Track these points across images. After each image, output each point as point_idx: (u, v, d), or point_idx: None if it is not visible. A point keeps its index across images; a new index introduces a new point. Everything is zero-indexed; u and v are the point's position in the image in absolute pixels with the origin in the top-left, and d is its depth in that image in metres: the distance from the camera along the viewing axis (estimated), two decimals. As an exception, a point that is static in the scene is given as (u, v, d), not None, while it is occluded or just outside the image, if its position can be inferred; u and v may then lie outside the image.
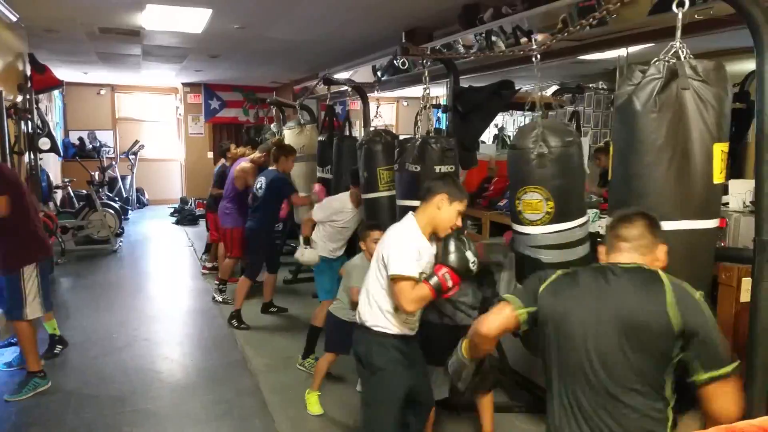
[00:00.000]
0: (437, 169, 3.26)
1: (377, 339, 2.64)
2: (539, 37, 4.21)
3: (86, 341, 4.93)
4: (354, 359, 2.82)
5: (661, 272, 1.74)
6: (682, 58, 1.95)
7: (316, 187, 5.44)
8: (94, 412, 3.72)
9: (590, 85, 7.49)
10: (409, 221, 2.62)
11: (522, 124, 8.77)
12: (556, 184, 2.62)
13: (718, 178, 2.02)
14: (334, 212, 4.47)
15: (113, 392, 4.00)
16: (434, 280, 2.44)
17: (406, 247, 2.52)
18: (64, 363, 4.48)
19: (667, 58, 1.96)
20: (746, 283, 2.60)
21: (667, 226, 2.00)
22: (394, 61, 3.73)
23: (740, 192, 3.05)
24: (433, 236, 2.61)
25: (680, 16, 1.98)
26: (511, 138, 2.87)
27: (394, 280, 2.48)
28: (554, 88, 7.13)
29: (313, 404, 3.73)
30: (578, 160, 2.72)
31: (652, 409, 1.69)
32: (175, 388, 4.15)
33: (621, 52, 4.59)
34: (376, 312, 2.64)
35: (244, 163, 6.09)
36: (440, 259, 2.51)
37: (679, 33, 1.97)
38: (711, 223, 2.07)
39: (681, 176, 1.98)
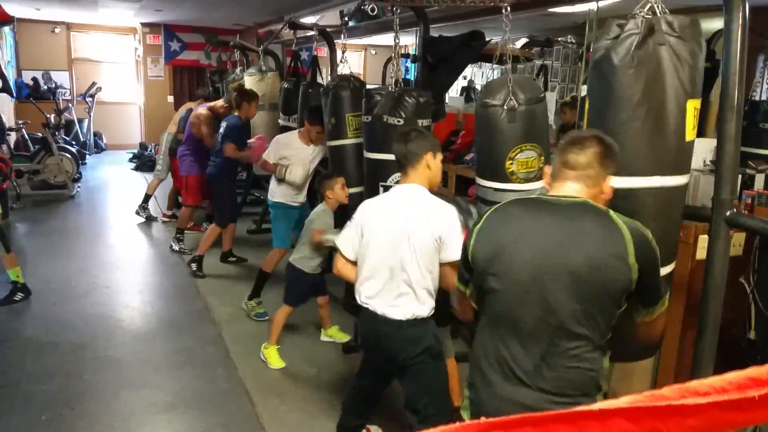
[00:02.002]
0: (420, 122, 3.22)
1: (430, 327, 2.45)
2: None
3: (45, 288, 4.84)
4: (381, 357, 2.56)
5: (612, 213, 1.62)
6: (658, 13, 1.93)
7: (254, 139, 5.34)
8: (54, 359, 3.69)
9: (559, 39, 7.47)
10: (424, 192, 2.42)
11: (490, 77, 8.72)
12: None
13: (690, 135, 2.03)
14: (280, 147, 4.41)
15: (74, 339, 3.97)
16: None
17: (459, 227, 2.36)
18: (22, 310, 4.41)
19: (643, 13, 1.94)
20: (702, 240, 2.66)
21: (641, 182, 2.01)
22: (362, 7, 3.62)
23: (701, 151, 3.10)
24: None
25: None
26: (481, 93, 2.79)
27: (453, 263, 2.26)
28: (523, 41, 7.09)
29: (274, 358, 3.73)
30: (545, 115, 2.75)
31: (592, 360, 1.63)
32: (137, 335, 4.13)
33: (591, 5, 4.56)
34: (426, 298, 2.40)
35: (201, 109, 5.93)
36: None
37: (653, -13, 1.95)
38: (682, 179, 2.09)
39: (655, 132, 1.97)
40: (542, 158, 2.70)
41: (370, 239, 2.45)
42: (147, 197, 7.24)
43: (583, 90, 6.38)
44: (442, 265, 2.36)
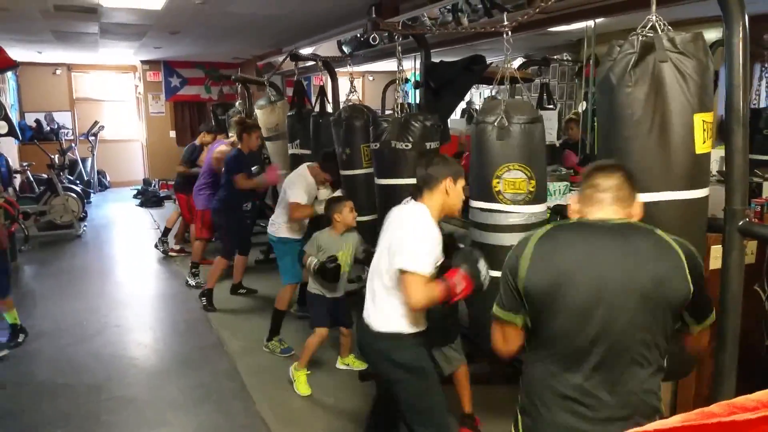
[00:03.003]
0: (428, 145, 3.24)
1: (406, 342, 2.44)
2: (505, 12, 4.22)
3: (56, 329, 4.85)
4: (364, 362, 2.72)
5: (659, 231, 1.64)
6: (660, 31, 1.97)
7: (270, 168, 5.38)
8: (70, 401, 3.67)
9: (555, 57, 7.54)
10: (422, 209, 2.42)
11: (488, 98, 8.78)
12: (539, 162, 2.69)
13: (701, 148, 2.05)
14: (310, 186, 4.31)
15: (88, 380, 3.96)
16: (445, 284, 2.31)
17: (424, 240, 2.34)
18: (34, 353, 4.40)
19: (644, 32, 1.98)
20: (715, 251, 2.67)
21: (650, 197, 2.02)
22: (364, 36, 3.68)
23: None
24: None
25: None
26: (478, 112, 2.80)
27: (404, 273, 2.28)
28: (520, 60, 7.15)
29: (302, 383, 3.72)
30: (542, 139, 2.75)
31: (655, 382, 1.65)
32: (151, 373, 4.12)
33: (589, 23, 4.62)
34: (396, 313, 2.41)
35: (223, 146, 6.00)
36: (453, 266, 2.41)
37: (654, 6, 1.99)
38: (698, 193, 2.10)
39: (660, 147, 2.00)
40: (532, 182, 2.65)
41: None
42: (167, 230, 7.27)
43: (581, 106, 6.45)
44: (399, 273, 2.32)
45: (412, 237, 2.35)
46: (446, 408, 2.54)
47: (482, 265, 2.41)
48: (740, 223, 2.00)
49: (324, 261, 3.58)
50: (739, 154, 2.01)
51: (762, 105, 5.10)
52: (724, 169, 2.87)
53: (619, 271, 1.59)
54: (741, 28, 1.98)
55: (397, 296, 2.39)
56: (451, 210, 2.51)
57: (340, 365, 4.09)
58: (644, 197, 2.01)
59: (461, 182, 2.50)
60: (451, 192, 2.44)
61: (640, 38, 1.97)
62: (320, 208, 4.15)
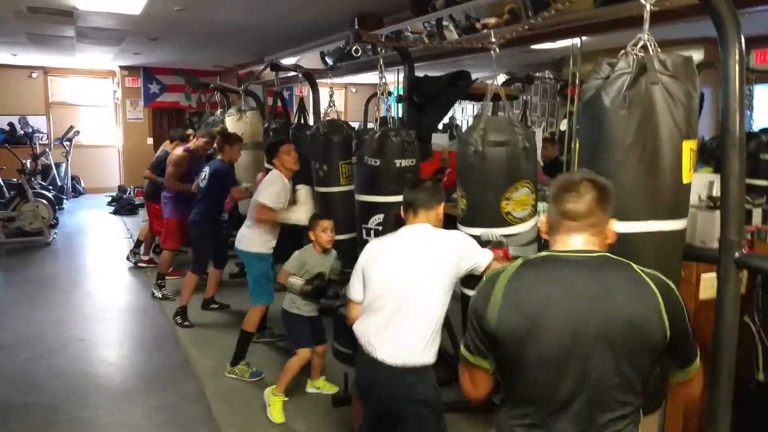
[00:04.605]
0: (397, 163, 3.16)
1: (429, 376, 2.35)
2: (491, 20, 4.15)
3: (16, 343, 4.63)
4: (376, 404, 2.43)
5: (634, 266, 1.52)
6: (651, 52, 1.86)
7: (260, 176, 5.21)
8: (23, 424, 3.46)
9: (537, 75, 7.50)
10: (434, 228, 2.49)
11: (473, 114, 8.74)
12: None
13: (687, 177, 1.95)
14: (283, 189, 4.04)
15: (45, 399, 3.75)
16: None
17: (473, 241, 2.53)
18: (-9, 368, 4.18)
19: (635, 51, 1.87)
20: (705, 280, 2.58)
21: (636, 227, 1.92)
22: (347, 48, 3.58)
23: (696, 186, 3.02)
24: None
25: (648, 7, 1.89)
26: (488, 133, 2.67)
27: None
28: (502, 77, 7.10)
29: (277, 410, 3.51)
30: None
31: (635, 423, 1.55)
32: (114, 394, 3.92)
33: (574, 41, 4.56)
34: (427, 343, 2.30)
35: (177, 150, 5.83)
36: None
37: (647, 25, 1.88)
38: (680, 224, 2.00)
39: (650, 175, 1.89)
40: (533, 195, 2.68)
41: (373, 279, 2.39)
42: (139, 242, 7.06)
43: (563, 125, 6.40)
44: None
45: (470, 240, 2.48)
46: None
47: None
48: (736, 255, 1.89)
49: (314, 278, 3.45)
50: (735, 181, 1.91)
51: (754, 127, 5.09)
52: (713, 194, 2.81)
53: (591, 312, 1.47)
54: (737, 50, 1.88)
55: (426, 324, 2.29)
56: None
57: (310, 388, 3.89)
58: (627, 227, 1.91)
59: (444, 206, 2.58)
60: (440, 215, 2.53)
61: (635, 58, 1.86)
62: (290, 216, 3.98)
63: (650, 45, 1.88)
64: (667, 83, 1.85)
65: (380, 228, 3.30)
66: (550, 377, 1.50)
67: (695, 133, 1.95)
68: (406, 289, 2.30)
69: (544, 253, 1.62)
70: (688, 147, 1.91)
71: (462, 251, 2.40)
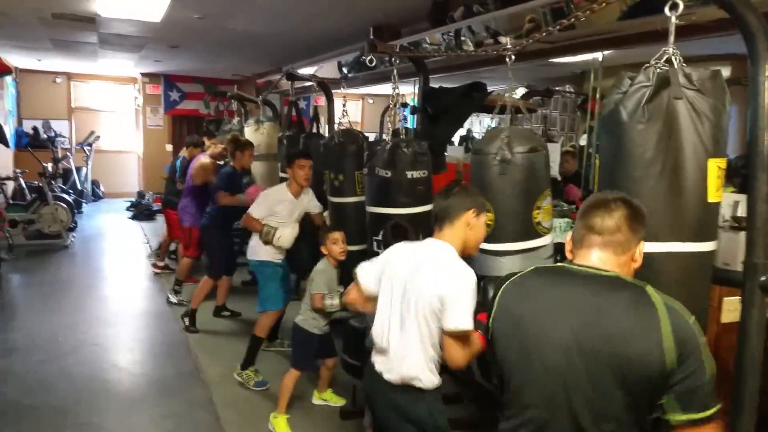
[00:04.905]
0: (409, 174, 3.11)
1: (426, 399, 2.18)
2: (502, 39, 4.12)
3: (30, 345, 4.65)
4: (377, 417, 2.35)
5: (650, 290, 1.43)
6: (676, 65, 1.81)
7: (252, 188, 5.20)
8: (32, 426, 3.46)
9: (557, 89, 7.45)
10: (451, 253, 2.14)
11: (489, 127, 8.69)
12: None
13: (713, 196, 1.86)
14: (273, 203, 4.08)
15: (56, 402, 3.75)
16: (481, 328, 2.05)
17: (472, 293, 2.05)
18: (3, 369, 4.20)
19: (658, 65, 1.82)
20: (728, 303, 2.50)
21: (656, 247, 1.83)
22: (362, 58, 3.56)
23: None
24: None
25: (673, 19, 1.83)
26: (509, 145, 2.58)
27: (453, 335, 2.04)
28: (521, 90, 7.06)
29: (282, 429, 3.45)
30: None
31: None
32: (123, 399, 3.91)
33: (597, 55, 4.51)
34: (422, 366, 2.15)
35: (203, 159, 5.83)
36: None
37: (672, 37, 1.83)
38: (706, 246, 1.90)
39: (671, 193, 1.82)
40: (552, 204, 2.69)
41: (384, 285, 2.25)
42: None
43: (583, 139, 6.33)
44: (443, 333, 2.07)
45: (462, 288, 2.05)
46: None
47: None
48: (762, 279, 1.80)
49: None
50: (764, 202, 1.81)
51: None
52: (737, 214, 2.73)
53: (583, 330, 1.42)
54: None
55: (432, 347, 2.14)
56: (472, 247, 2.22)
57: (317, 400, 3.86)
58: (647, 247, 1.84)
59: (484, 215, 2.23)
60: (474, 225, 2.17)
61: (656, 71, 1.81)
62: (276, 236, 4.01)
63: (675, 58, 1.83)
64: (692, 98, 1.79)
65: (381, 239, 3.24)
66: (533, 386, 1.48)
67: (723, 152, 1.87)
68: (407, 306, 2.16)
69: (557, 265, 1.59)
70: (715, 165, 1.83)
71: (446, 300, 2.05)
